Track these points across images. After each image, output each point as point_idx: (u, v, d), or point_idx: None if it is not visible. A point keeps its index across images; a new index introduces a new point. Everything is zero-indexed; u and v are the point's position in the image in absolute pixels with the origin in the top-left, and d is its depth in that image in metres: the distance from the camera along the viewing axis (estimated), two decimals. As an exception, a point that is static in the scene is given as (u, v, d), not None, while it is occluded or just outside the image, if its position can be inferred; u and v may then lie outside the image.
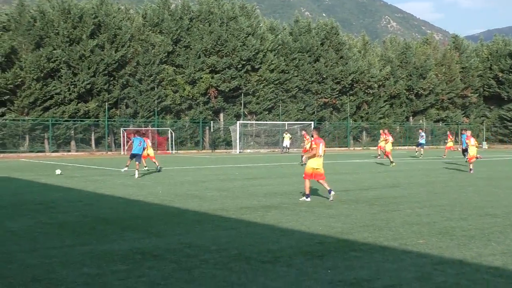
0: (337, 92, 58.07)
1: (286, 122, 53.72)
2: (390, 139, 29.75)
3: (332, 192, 13.64)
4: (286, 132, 49.57)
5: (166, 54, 49.31)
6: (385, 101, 61.86)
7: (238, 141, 48.00)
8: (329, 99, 57.69)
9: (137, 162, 21.34)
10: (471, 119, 68.16)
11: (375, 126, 60.44)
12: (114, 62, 46.16)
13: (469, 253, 7.87)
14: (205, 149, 52.05)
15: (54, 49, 44.12)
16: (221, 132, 52.71)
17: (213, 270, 6.89)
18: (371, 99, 60.68)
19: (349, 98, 59.36)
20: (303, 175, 13.91)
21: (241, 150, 48.72)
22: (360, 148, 59.75)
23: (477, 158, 24.01)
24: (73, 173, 23.89)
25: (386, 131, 32.27)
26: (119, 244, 8.43)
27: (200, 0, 53.42)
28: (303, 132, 31.67)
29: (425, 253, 7.88)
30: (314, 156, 13.57)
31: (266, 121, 53.39)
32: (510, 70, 64.88)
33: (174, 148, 48.30)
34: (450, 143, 39.40)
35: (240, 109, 53.39)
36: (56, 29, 44.52)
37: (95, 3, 47.24)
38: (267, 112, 54.87)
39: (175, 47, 50.24)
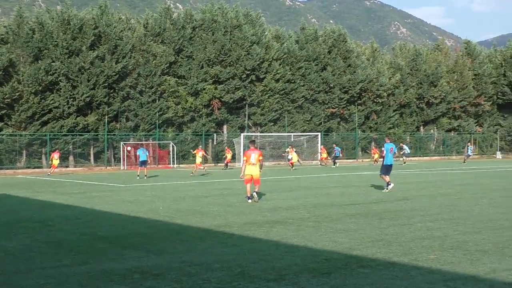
0: (345, 102, 56.46)
1: (292, 134, 52.14)
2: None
3: (255, 195, 16.25)
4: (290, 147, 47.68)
5: (168, 64, 48.08)
6: (394, 110, 60.21)
7: (242, 154, 46.38)
8: (337, 109, 56.07)
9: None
10: (484, 128, 66.14)
11: (384, 137, 58.73)
12: (114, 74, 44.98)
13: (483, 268, 7.63)
14: (207, 163, 50.58)
15: (53, 62, 43.08)
16: (224, 145, 51.04)
17: (216, 289, 6.57)
18: (380, 108, 59.02)
19: (358, 107, 57.75)
20: (244, 181, 16.55)
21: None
22: (369, 159, 58.08)
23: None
24: (71, 189, 23.32)
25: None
26: (118, 263, 8.28)
27: (203, 9, 52.34)
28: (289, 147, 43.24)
29: (437, 269, 7.67)
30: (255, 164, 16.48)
31: (271, 132, 51.90)
32: (524, 76, 63.08)
33: (175, 162, 46.97)
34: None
35: (245, 120, 51.99)
36: (55, 41, 43.49)
37: (95, 13, 46.24)
38: (272, 123, 53.34)
39: (177, 58, 49.02)
